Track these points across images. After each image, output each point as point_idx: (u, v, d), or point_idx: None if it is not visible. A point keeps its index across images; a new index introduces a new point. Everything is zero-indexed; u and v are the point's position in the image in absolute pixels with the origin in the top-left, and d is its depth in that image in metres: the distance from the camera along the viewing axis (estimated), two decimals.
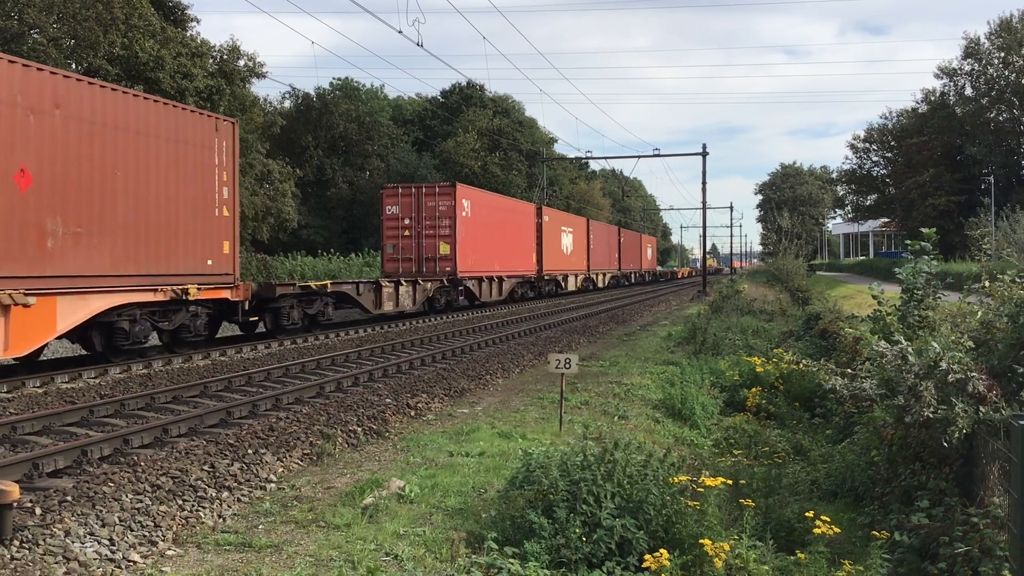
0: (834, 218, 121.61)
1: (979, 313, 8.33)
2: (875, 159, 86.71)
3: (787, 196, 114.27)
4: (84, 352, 18.36)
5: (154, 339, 19.44)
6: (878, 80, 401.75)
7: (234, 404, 12.35)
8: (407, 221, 33.58)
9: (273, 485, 8.64)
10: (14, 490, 6.42)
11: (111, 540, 6.68)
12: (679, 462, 7.36)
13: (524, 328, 26.65)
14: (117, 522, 7.01)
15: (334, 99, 65.58)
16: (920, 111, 75.99)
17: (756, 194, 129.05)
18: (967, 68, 70.71)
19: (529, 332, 25.83)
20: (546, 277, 47.16)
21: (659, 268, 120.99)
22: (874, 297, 10.00)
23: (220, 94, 39.79)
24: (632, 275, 77.27)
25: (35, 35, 32.62)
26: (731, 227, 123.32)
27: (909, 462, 7.43)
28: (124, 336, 17.06)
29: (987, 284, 8.57)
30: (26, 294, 13.92)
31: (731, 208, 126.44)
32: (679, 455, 8.17)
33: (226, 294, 19.84)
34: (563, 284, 51.60)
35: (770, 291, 46.67)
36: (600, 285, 61.92)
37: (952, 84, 72.87)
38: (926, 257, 9.77)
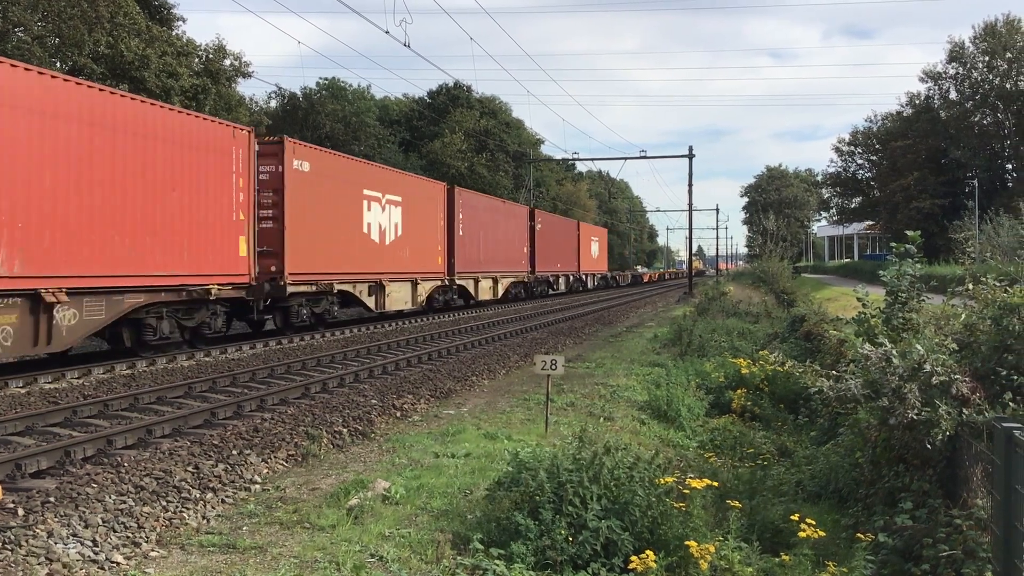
0: (819, 220, 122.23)
1: (963, 316, 8.37)
2: (860, 162, 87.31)
3: (773, 198, 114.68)
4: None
5: None
6: (864, 83, 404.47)
7: (218, 405, 12.31)
8: None
9: (258, 486, 8.61)
10: None
11: (94, 541, 6.64)
12: (665, 464, 7.37)
13: (509, 330, 26.68)
14: (100, 523, 6.97)
15: (320, 99, 65.46)
16: (905, 114, 76.47)
17: (742, 196, 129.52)
18: (952, 72, 71.24)
19: (516, 333, 25.87)
20: (304, 289, 23.38)
21: (643, 270, 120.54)
22: (858, 299, 10.04)
23: (206, 93, 39.66)
24: (560, 280, 55.71)
25: (19, 33, 32.42)
26: (717, 229, 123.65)
27: (893, 464, 7.46)
28: None
29: (971, 287, 8.61)
30: None
31: (717, 210, 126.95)
32: (665, 457, 8.18)
33: None
34: (376, 299, 27.79)
35: (755, 293, 46.85)
36: (485, 297, 39.44)
37: (937, 88, 73.44)
38: (910, 260, 9.82)
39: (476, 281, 38.05)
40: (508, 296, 43.82)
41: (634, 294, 61.35)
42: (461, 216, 36.15)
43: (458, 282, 35.81)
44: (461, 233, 35.99)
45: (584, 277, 63.45)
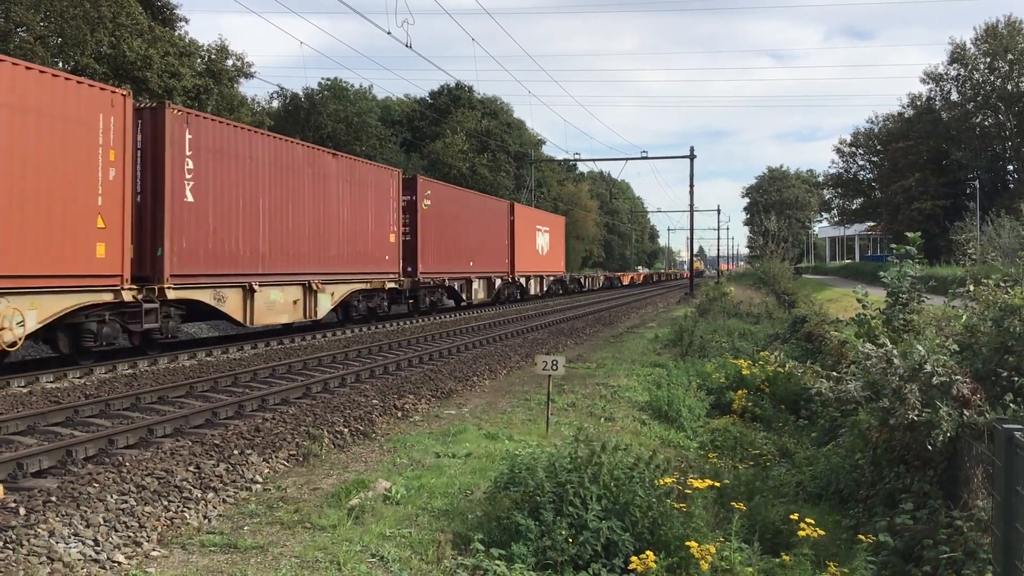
0: (820, 221, 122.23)
1: (964, 317, 8.38)
2: (861, 163, 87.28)
3: (774, 199, 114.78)
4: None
5: None
6: (864, 84, 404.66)
7: (220, 404, 12.31)
8: None
9: (259, 486, 8.61)
10: None
11: (95, 541, 6.65)
12: (665, 464, 7.37)
13: (510, 330, 26.70)
14: (102, 522, 6.98)
15: (322, 99, 65.42)
16: (906, 116, 76.45)
17: (743, 197, 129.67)
18: (953, 73, 71.21)
19: (517, 334, 25.89)
20: None
21: (643, 269, 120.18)
22: (859, 300, 10.06)
23: (208, 94, 39.68)
24: (476, 284, 38.03)
25: (22, 33, 32.47)
26: (718, 230, 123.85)
27: (893, 465, 7.47)
28: None
29: (972, 288, 8.61)
30: None
31: (718, 211, 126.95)
32: (665, 457, 8.19)
33: None
34: None
35: (756, 294, 46.84)
36: (269, 320, 22.27)
37: (938, 89, 73.42)
38: (911, 261, 9.84)
39: (248, 290, 20.84)
40: (352, 314, 27.04)
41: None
42: (191, 166, 19.13)
43: (176, 294, 18.51)
44: (190, 199, 19.03)
45: (523, 280, 46.11)
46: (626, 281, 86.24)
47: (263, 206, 21.76)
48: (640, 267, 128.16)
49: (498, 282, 41.52)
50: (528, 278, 47.21)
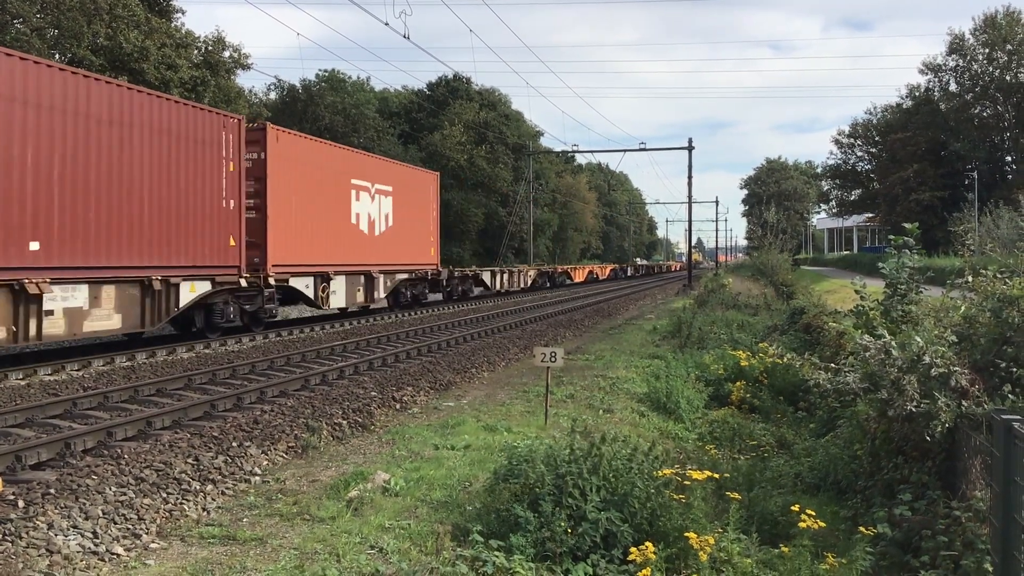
0: (819, 213, 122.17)
1: (962, 308, 8.37)
2: (860, 154, 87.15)
3: (772, 191, 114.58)
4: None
5: None
6: (863, 75, 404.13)
7: (218, 397, 12.32)
8: None
9: (258, 478, 8.62)
10: None
11: (94, 533, 6.65)
12: (664, 456, 7.37)
13: (508, 322, 26.70)
14: (100, 515, 6.98)
15: (320, 91, 65.32)
16: (905, 107, 76.32)
17: (741, 188, 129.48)
18: (952, 64, 71.06)
19: (515, 325, 25.89)
20: None
21: (642, 262, 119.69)
22: (857, 292, 10.06)
23: (205, 85, 39.60)
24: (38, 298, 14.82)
25: (18, 24, 32.39)
26: (716, 221, 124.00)
27: (892, 456, 7.47)
28: None
29: (970, 279, 8.60)
30: None
31: (716, 203, 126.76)
32: (664, 448, 8.19)
33: None
34: None
35: (755, 285, 46.85)
36: None
37: (937, 80, 73.25)
38: (909, 252, 9.83)
39: None
40: None
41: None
42: None
43: None
44: None
45: (303, 285, 24.37)
46: (579, 277, 63.13)
47: None
48: (638, 259, 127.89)
49: (202, 287, 20.01)
50: (324, 278, 25.60)
